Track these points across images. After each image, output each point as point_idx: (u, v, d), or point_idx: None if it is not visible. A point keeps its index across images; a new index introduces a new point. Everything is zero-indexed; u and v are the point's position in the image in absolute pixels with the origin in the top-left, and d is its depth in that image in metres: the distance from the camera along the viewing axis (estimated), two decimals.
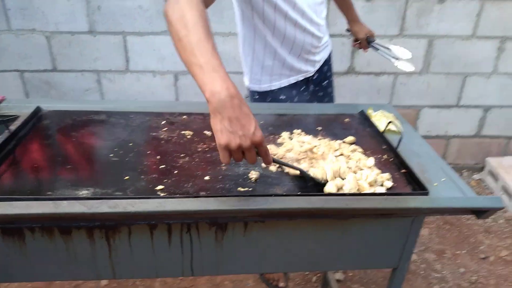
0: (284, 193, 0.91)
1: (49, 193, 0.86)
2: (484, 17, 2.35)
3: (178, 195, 0.88)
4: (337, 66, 2.38)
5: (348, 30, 1.85)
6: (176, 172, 0.98)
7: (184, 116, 1.28)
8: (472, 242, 2.29)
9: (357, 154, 1.07)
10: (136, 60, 2.31)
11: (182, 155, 1.06)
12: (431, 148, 1.18)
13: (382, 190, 0.94)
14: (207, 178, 0.96)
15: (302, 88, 1.63)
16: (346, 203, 0.87)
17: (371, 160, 1.05)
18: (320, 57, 1.62)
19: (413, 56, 1.69)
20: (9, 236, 0.85)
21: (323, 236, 0.95)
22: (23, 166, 0.96)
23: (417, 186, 0.95)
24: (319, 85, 1.71)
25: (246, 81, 1.63)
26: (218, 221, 0.90)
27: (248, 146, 0.78)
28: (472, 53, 2.46)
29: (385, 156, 1.10)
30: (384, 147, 1.15)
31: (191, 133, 1.18)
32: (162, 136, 1.15)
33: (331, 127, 1.26)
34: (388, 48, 1.66)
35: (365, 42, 1.77)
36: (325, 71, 1.70)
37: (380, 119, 1.30)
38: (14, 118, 1.16)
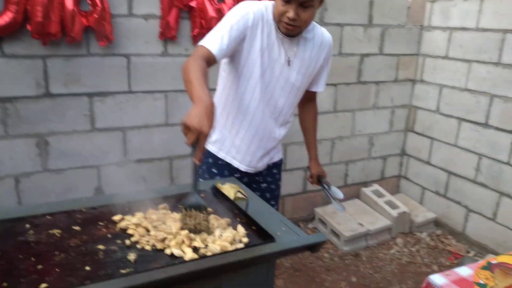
0: (163, 265, 1.06)
1: None
2: None
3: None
4: None
5: (308, 167, 2.13)
6: (57, 269, 1.03)
7: (48, 217, 1.32)
8: (318, 281, 2.70)
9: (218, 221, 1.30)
10: None
11: (57, 252, 1.11)
12: (270, 207, 1.50)
13: (241, 245, 1.18)
14: (88, 268, 1.04)
15: (237, 176, 1.80)
16: (216, 260, 1.07)
17: (228, 221, 1.28)
18: (262, 164, 1.88)
19: None
20: None
21: None
22: None
23: (267, 238, 1.22)
24: (257, 183, 1.94)
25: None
26: None
27: (195, 129, 1.11)
28: None
29: (238, 218, 1.36)
30: (236, 211, 1.41)
31: (59, 231, 1.23)
32: (30, 239, 1.17)
33: None
34: (330, 187, 2.03)
35: (316, 179, 2.07)
36: (268, 180, 1.95)
37: (229, 190, 1.57)
38: None
